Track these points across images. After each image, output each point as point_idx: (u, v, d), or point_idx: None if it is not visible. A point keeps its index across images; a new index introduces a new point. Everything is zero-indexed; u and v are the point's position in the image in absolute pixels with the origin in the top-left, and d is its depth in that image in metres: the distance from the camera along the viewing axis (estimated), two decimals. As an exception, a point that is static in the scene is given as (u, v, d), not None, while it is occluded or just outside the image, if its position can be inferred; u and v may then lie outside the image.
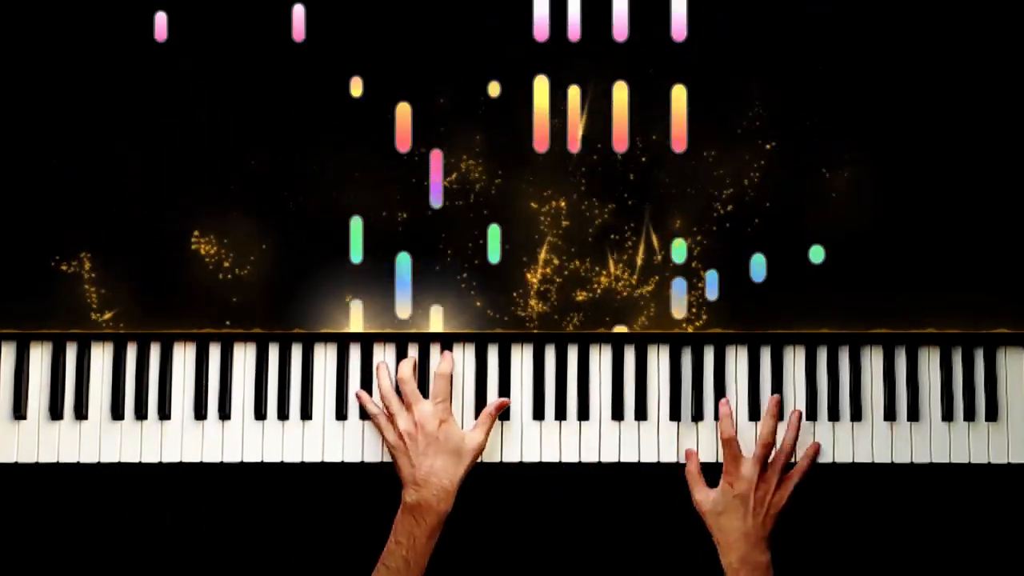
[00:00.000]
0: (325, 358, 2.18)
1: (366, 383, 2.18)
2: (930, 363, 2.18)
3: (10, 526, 2.27)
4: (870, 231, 2.17)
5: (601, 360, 2.19)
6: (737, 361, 2.19)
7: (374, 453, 2.17)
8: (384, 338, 2.18)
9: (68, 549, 2.27)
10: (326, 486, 2.29)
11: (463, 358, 2.19)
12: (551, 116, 2.18)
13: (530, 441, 2.18)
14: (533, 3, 2.19)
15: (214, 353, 2.18)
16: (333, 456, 2.17)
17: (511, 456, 2.17)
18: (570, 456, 2.17)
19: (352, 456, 2.17)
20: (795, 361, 2.19)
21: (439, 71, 2.18)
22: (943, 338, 2.17)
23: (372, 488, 2.28)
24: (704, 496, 2.12)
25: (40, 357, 2.18)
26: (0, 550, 2.26)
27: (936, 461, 2.16)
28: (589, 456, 2.17)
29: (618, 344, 2.18)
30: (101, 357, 2.18)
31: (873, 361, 2.18)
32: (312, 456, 2.17)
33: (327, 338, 2.18)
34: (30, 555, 2.27)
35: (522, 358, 2.19)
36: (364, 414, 2.17)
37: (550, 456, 2.18)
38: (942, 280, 2.16)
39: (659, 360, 2.19)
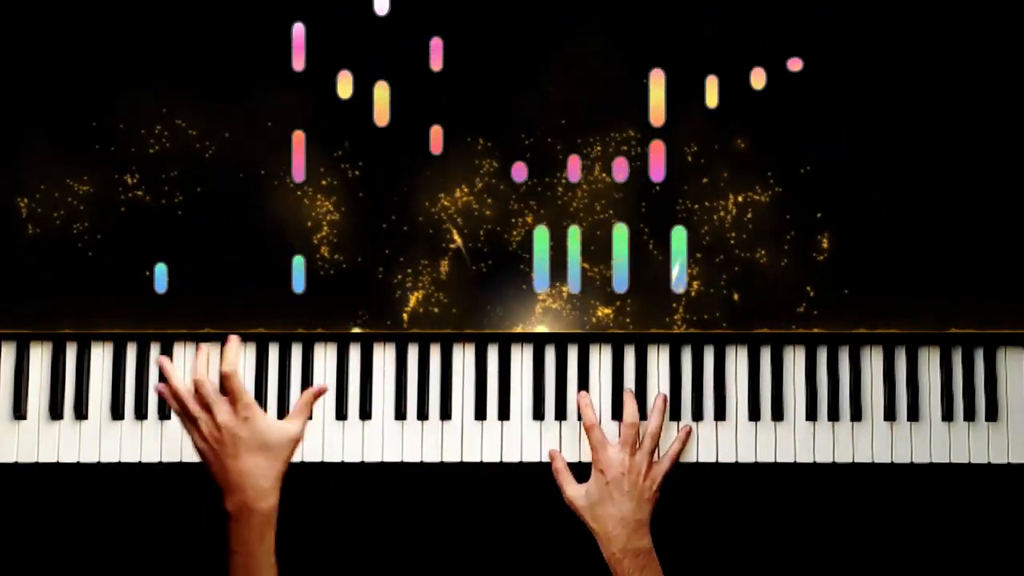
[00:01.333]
0: (325, 358, 2.18)
1: (366, 383, 2.17)
2: (930, 363, 2.18)
3: (10, 526, 2.27)
4: (870, 231, 2.17)
5: (601, 360, 2.19)
6: (737, 361, 2.19)
7: (374, 453, 2.17)
8: (384, 338, 2.18)
9: (68, 549, 2.27)
10: (326, 486, 2.29)
11: (463, 358, 2.19)
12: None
13: (530, 441, 2.18)
14: None
15: (214, 353, 2.18)
16: (333, 456, 2.17)
17: (511, 456, 2.17)
18: (570, 456, 2.17)
19: (352, 456, 2.17)
20: (795, 361, 2.19)
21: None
22: (943, 338, 2.17)
23: (372, 488, 2.28)
24: (575, 491, 2.11)
25: (40, 357, 2.18)
26: (0, 550, 2.26)
27: (936, 461, 2.16)
28: (590, 456, 2.17)
29: (618, 344, 2.18)
30: (101, 357, 2.18)
31: (873, 361, 2.18)
32: (312, 456, 2.17)
33: (327, 338, 2.18)
34: (30, 555, 2.27)
35: (522, 358, 2.19)
36: (365, 414, 2.16)
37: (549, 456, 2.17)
38: (942, 280, 2.16)
39: (659, 360, 2.19)
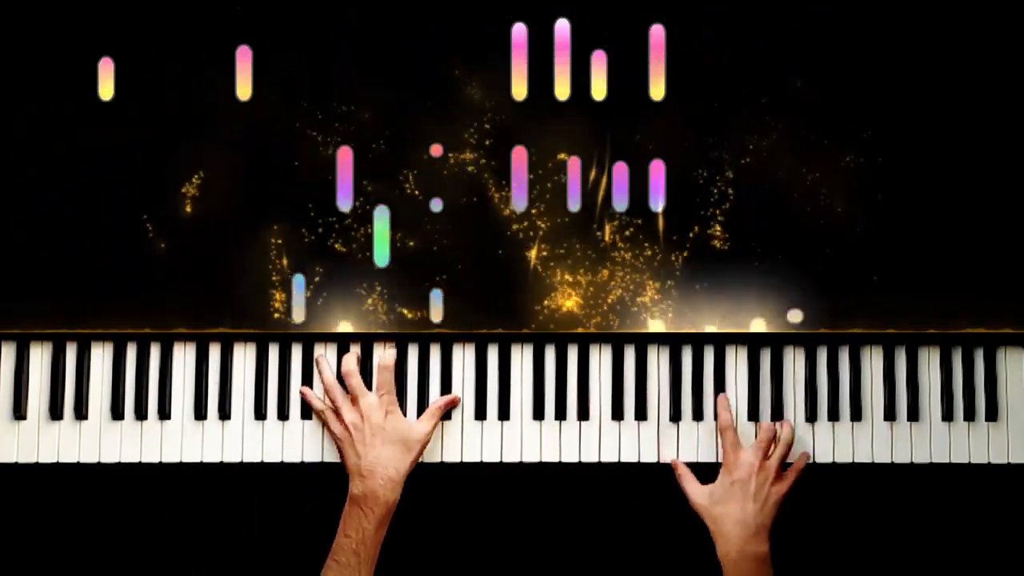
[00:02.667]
0: (322, 355, 2.18)
1: (368, 383, 2.17)
2: (930, 363, 2.18)
3: (10, 526, 2.27)
4: (870, 231, 2.17)
5: (601, 360, 2.19)
6: (737, 361, 2.19)
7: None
8: (384, 338, 2.18)
9: (68, 549, 2.27)
10: (326, 486, 2.29)
11: (463, 358, 2.19)
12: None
13: (530, 441, 2.18)
14: None
15: (214, 353, 2.18)
16: (334, 456, 2.17)
17: (511, 456, 2.17)
18: (570, 456, 2.17)
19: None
20: (795, 361, 2.19)
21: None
22: (943, 338, 2.17)
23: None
24: (699, 490, 2.11)
25: (40, 357, 2.18)
26: (0, 550, 2.26)
27: (936, 461, 2.16)
28: (589, 456, 2.17)
29: (618, 344, 2.18)
30: (101, 357, 2.18)
31: (873, 361, 2.18)
32: (312, 456, 2.17)
33: (327, 338, 2.18)
34: (30, 555, 2.27)
35: (522, 358, 2.19)
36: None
37: (550, 456, 2.18)
38: (942, 280, 2.16)
39: (659, 360, 2.19)
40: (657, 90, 2.19)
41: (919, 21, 2.19)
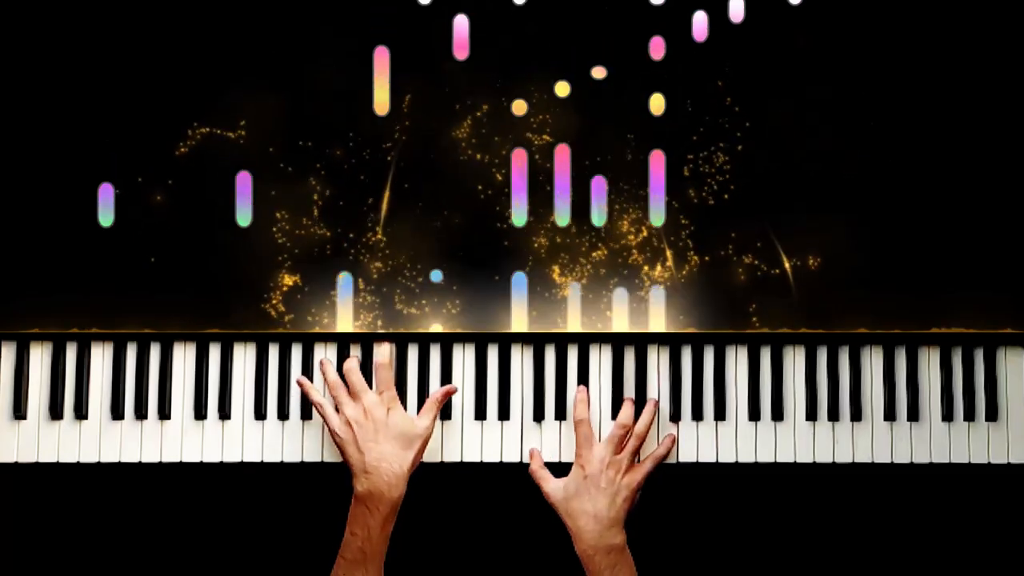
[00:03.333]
0: (325, 358, 2.18)
1: (370, 383, 2.17)
2: (930, 363, 2.18)
3: (10, 526, 2.27)
4: (870, 231, 2.17)
5: (601, 360, 2.19)
6: (737, 361, 2.19)
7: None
8: (384, 338, 2.18)
9: (68, 549, 2.27)
10: (326, 485, 2.29)
11: (463, 358, 2.19)
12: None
13: (529, 441, 2.18)
14: None
15: (214, 353, 2.18)
16: (334, 456, 2.17)
17: (511, 456, 2.17)
18: (570, 456, 2.17)
19: (352, 456, 2.17)
20: (795, 361, 2.19)
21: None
22: (943, 338, 2.17)
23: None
24: (553, 486, 2.12)
25: (40, 357, 2.18)
26: (0, 550, 2.26)
27: (936, 461, 2.16)
28: (589, 456, 2.17)
29: (618, 344, 2.18)
30: (101, 357, 2.18)
31: (873, 361, 2.18)
32: (312, 456, 2.17)
33: (327, 338, 2.18)
34: (30, 555, 2.27)
35: (522, 358, 2.19)
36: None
37: (550, 456, 2.17)
38: (942, 280, 2.16)
39: (659, 360, 2.19)
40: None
41: (920, 23, 2.19)
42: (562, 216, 2.18)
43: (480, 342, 2.19)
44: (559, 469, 2.17)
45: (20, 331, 2.16)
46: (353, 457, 2.08)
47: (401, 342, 2.18)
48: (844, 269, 2.17)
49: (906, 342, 2.18)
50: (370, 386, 2.15)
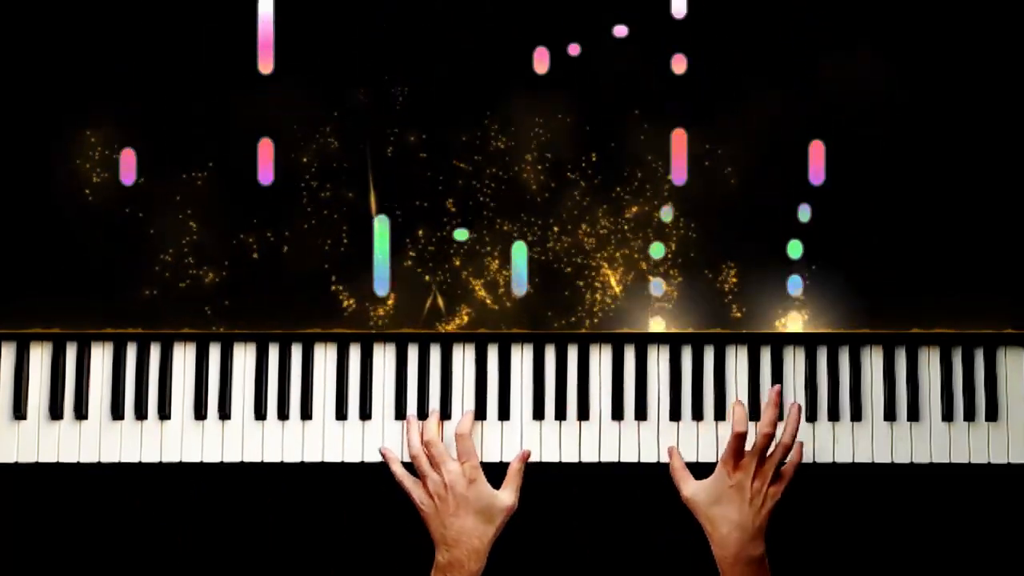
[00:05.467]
0: (325, 358, 2.18)
1: (365, 383, 2.17)
2: (930, 363, 2.18)
3: (10, 526, 2.27)
4: (870, 231, 2.17)
5: (601, 360, 2.19)
6: (737, 361, 2.19)
7: (374, 453, 2.17)
8: (384, 338, 2.18)
9: (68, 549, 2.27)
10: (326, 486, 2.29)
11: (463, 358, 2.19)
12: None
13: (530, 441, 2.18)
14: None
15: (214, 353, 2.18)
16: (333, 456, 2.17)
17: (511, 456, 2.17)
18: (570, 456, 2.17)
19: (352, 456, 2.17)
20: (795, 361, 2.19)
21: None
22: (943, 338, 2.17)
23: (372, 488, 2.28)
24: (694, 489, 2.10)
25: (40, 357, 2.18)
26: (0, 550, 2.26)
27: (936, 461, 2.16)
28: (589, 456, 2.17)
29: (618, 344, 2.18)
30: (101, 357, 2.18)
31: (873, 361, 2.18)
32: (312, 456, 2.17)
33: (327, 338, 2.18)
34: (30, 555, 2.27)
35: (522, 358, 2.19)
36: (365, 414, 2.17)
37: (550, 456, 2.18)
38: (942, 280, 2.16)
39: (659, 360, 2.19)
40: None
41: (922, 26, 2.19)
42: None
43: (480, 342, 2.19)
44: (559, 469, 2.17)
45: (20, 331, 2.16)
46: (436, 530, 2.09)
47: (401, 342, 2.18)
48: (844, 269, 2.17)
49: (906, 342, 2.18)
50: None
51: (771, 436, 2.09)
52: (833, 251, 2.17)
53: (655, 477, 2.18)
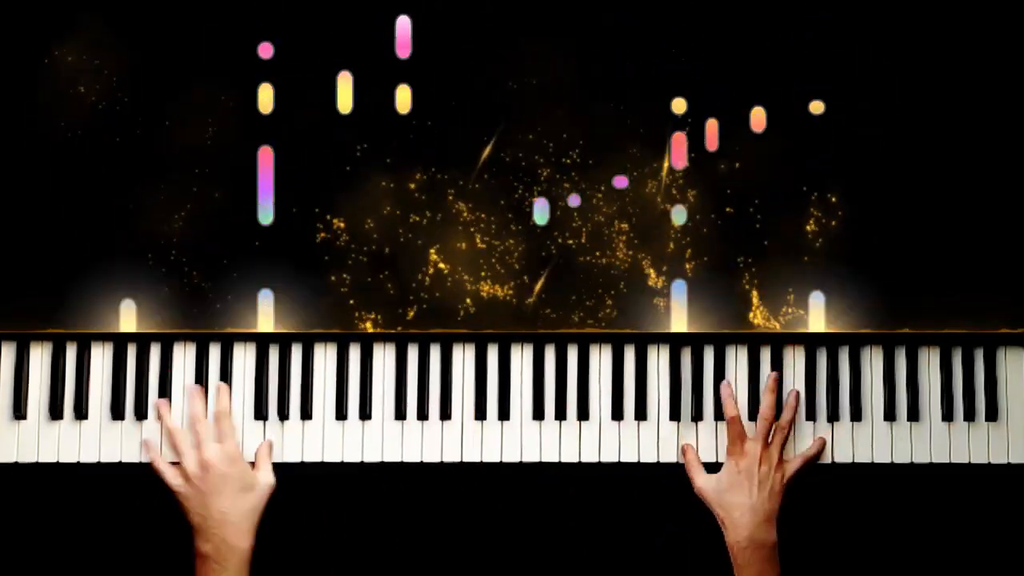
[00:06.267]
0: (325, 358, 2.18)
1: (365, 383, 2.17)
2: (930, 363, 2.18)
3: (10, 526, 2.27)
4: (870, 232, 2.17)
5: (601, 360, 2.19)
6: (737, 361, 2.19)
7: (374, 453, 2.17)
8: (384, 338, 2.18)
9: (68, 549, 2.27)
10: (325, 486, 2.29)
11: (463, 358, 2.19)
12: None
13: (530, 441, 2.18)
14: None
15: (214, 353, 2.18)
16: (333, 456, 2.17)
17: (511, 456, 2.17)
18: (570, 456, 2.17)
19: (352, 456, 2.17)
20: (795, 361, 2.19)
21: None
22: (943, 338, 2.17)
23: (371, 487, 2.28)
24: (706, 480, 2.12)
25: (40, 357, 2.18)
26: (0, 550, 2.26)
27: (936, 461, 2.16)
28: (589, 456, 2.17)
29: (618, 344, 2.18)
30: (101, 357, 2.18)
31: (873, 361, 2.18)
32: (312, 456, 2.17)
33: (327, 338, 2.18)
34: (30, 555, 2.27)
35: (522, 358, 2.19)
36: (365, 414, 2.17)
37: (550, 456, 2.18)
38: (942, 280, 2.16)
39: (659, 360, 2.19)
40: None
41: (922, 29, 2.19)
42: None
43: (480, 342, 2.19)
44: (559, 468, 2.17)
45: (20, 331, 2.16)
46: (196, 515, 2.05)
47: (401, 342, 2.18)
48: (844, 268, 2.17)
49: (906, 342, 2.18)
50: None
51: (771, 420, 2.12)
52: (833, 251, 2.17)
53: (654, 478, 2.18)
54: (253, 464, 2.11)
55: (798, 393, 2.15)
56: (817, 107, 2.17)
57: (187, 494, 2.06)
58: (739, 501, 2.08)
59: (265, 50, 2.17)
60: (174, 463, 2.10)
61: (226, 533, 2.02)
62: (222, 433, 2.09)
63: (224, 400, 2.11)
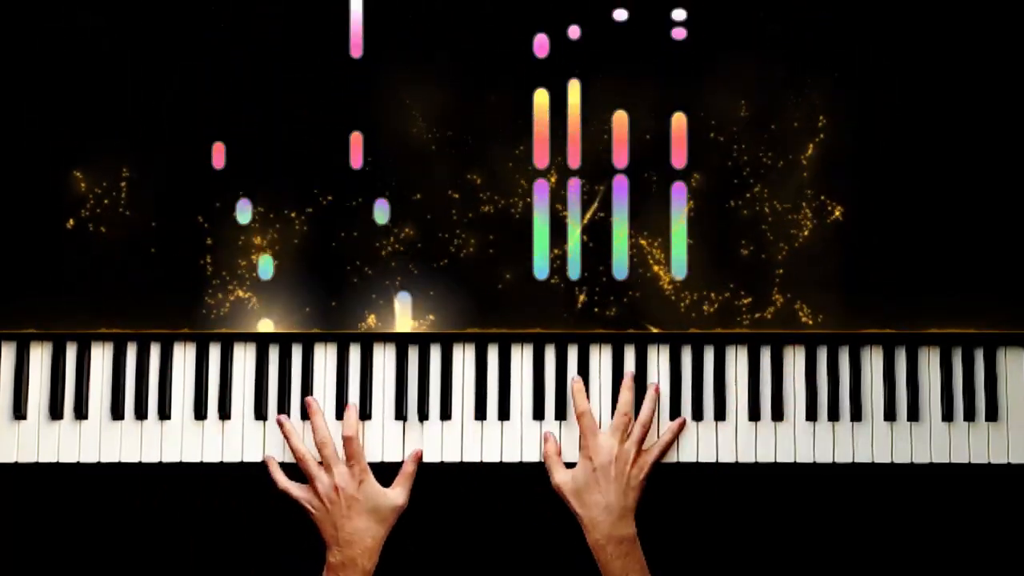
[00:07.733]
0: (325, 358, 2.18)
1: (365, 383, 2.17)
2: (930, 363, 2.18)
3: (10, 526, 2.27)
4: (869, 231, 2.17)
5: (601, 360, 2.19)
6: (737, 361, 2.19)
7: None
8: (384, 338, 2.18)
9: (68, 549, 2.27)
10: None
11: (463, 358, 2.19)
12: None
13: (530, 441, 2.18)
14: None
15: (214, 353, 2.18)
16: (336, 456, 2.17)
17: (511, 456, 2.17)
18: (569, 456, 2.17)
19: (352, 456, 2.17)
20: (795, 361, 2.19)
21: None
22: (943, 338, 2.17)
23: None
24: (563, 477, 2.12)
25: (40, 357, 2.18)
26: (0, 550, 2.26)
27: (936, 461, 2.16)
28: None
29: (618, 344, 2.18)
30: (101, 357, 2.18)
31: (873, 361, 2.18)
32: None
33: (327, 338, 2.18)
34: (30, 555, 2.27)
35: (522, 358, 2.19)
36: (365, 414, 2.16)
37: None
38: (942, 280, 2.16)
39: (659, 360, 2.19)
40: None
41: (921, 29, 2.19)
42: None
43: (480, 342, 2.19)
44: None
45: (20, 331, 2.16)
46: (328, 532, 2.10)
47: (401, 342, 2.18)
48: (844, 269, 2.17)
49: (906, 342, 2.18)
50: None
51: (628, 416, 2.12)
52: (833, 252, 2.17)
53: (652, 478, 2.18)
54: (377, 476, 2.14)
55: (658, 387, 2.15)
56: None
57: (321, 515, 2.11)
58: (595, 500, 2.09)
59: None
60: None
61: (353, 551, 2.08)
62: (351, 455, 2.11)
63: (353, 421, 2.13)
